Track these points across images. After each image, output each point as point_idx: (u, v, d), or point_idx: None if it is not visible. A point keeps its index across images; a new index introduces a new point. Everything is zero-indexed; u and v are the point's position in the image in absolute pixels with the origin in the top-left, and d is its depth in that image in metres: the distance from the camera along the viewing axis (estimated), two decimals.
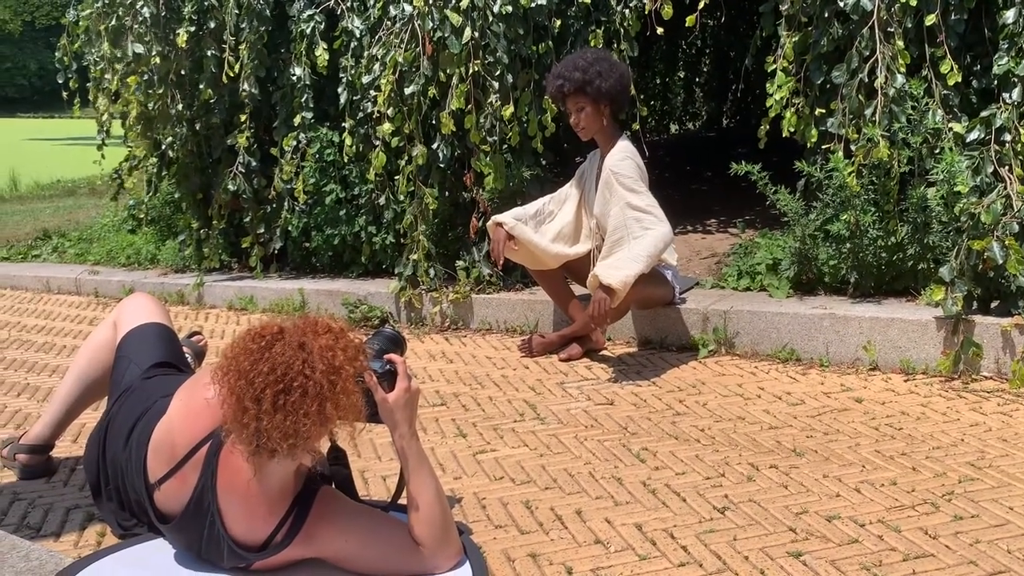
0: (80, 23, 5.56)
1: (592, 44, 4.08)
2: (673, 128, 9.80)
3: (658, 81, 9.16)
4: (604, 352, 3.48)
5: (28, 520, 2.24)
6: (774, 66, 3.58)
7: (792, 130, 3.53)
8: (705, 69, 9.60)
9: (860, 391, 2.90)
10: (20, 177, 11.68)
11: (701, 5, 3.73)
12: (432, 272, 4.08)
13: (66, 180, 11.66)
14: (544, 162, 4.21)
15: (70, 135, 23.22)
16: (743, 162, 3.41)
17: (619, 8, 4.07)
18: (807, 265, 3.46)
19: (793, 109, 3.52)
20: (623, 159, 3.20)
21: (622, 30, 4.08)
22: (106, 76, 5.35)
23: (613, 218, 3.14)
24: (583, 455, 2.49)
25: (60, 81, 5.77)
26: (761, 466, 2.35)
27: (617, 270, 2.97)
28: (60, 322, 4.62)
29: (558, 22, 4.02)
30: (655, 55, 8.40)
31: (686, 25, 3.90)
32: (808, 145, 3.51)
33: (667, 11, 3.83)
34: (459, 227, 4.24)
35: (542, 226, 3.46)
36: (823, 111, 3.46)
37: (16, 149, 19.64)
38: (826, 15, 3.43)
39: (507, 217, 3.39)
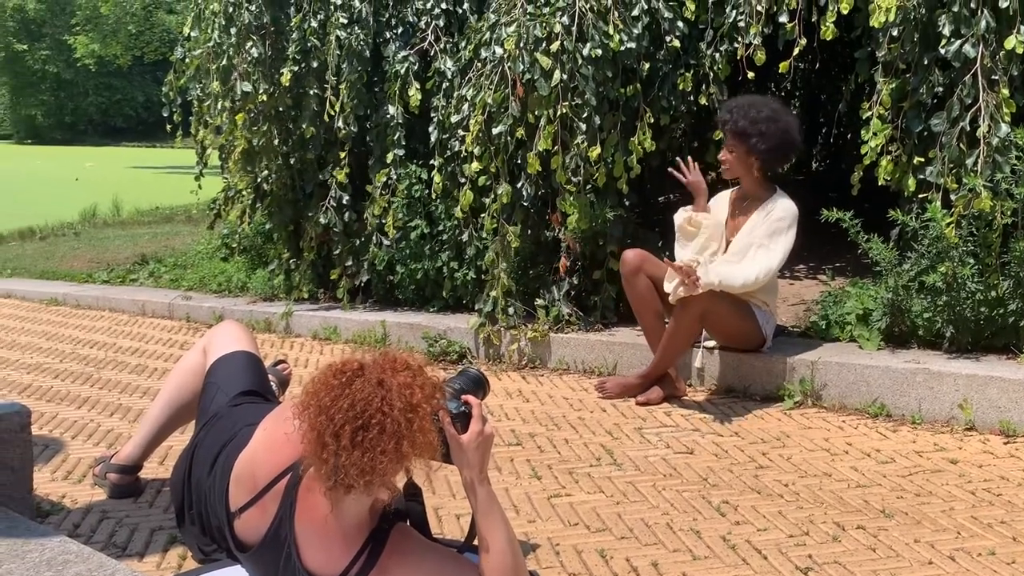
0: (187, 61, 5.84)
1: (681, 88, 4.08)
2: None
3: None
4: (685, 398, 3.41)
5: (115, 539, 2.32)
6: (869, 113, 3.50)
7: (888, 178, 3.44)
8: (795, 112, 9.43)
9: (955, 452, 2.76)
10: (122, 203, 12.28)
11: (796, 51, 3.68)
12: (511, 309, 4.09)
13: (164, 207, 12.18)
14: (628, 203, 4.19)
15: (170, 164, 24.31)
16: (834, 208, 3.33)
17: (709, 52, 4.06)
18: (900, 317, 3.33)
19: (890, 157, 3.43)
20: (785, 208, 3.23)
21: (711, 74, 4.07)
22: (209, 110, 5.61)
23: (741, 246, 3.21)
24: (661, 505, 2.44)
25: (165, 114, 6.07)
26: (848, 526, 2.26)
27: (707, 272, 2.99)
28: (153, 345, 4.80)
29: (647, 65, 4.03)
30: (740, 85, 8.30)
31: (779, 71, 3.85)
32: (904, 194, 3.41)
33: (760, 57, 3.79)
34: (540, 265, 4.25)
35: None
36: (921, 160, 3.36)
37: (120, 176, 20.66)
38: (925, 62, 3.34)
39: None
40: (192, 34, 5.58)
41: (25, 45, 42.18)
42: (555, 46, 3.87)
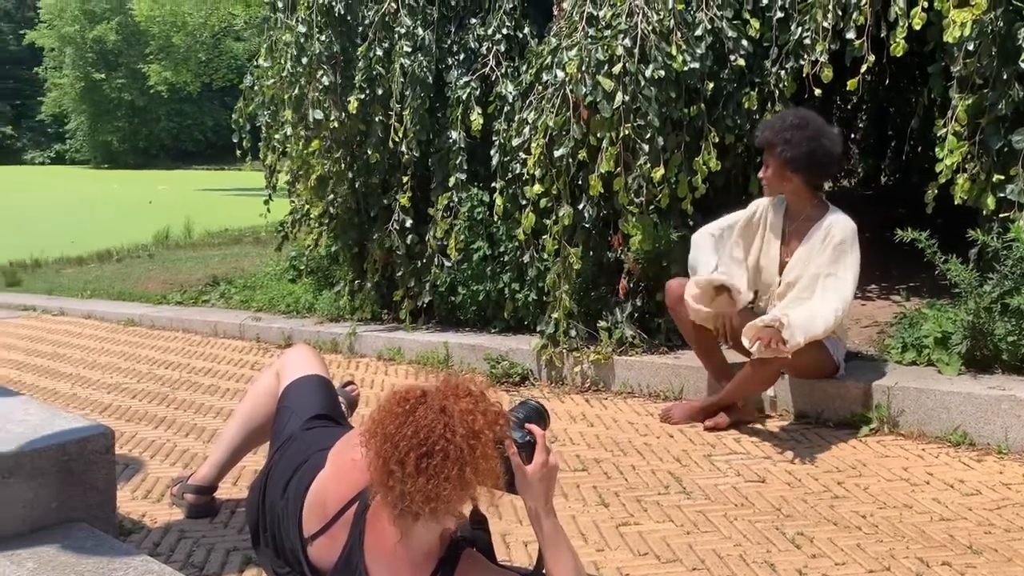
0: (257, 89, 6.01)
1: (746, 106, 4.02)
2: (826, 186, 9.45)
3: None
4: (754, 424, 3.34)
5: (193, 559, 2.37)
6: (944, 130, 3.40)
7: (964, 196, 3.33)
8: (862, 125, 9.25)
9: None
10: (193, 225, 12.67)
11: (864, 68, 3.61)
12: (574, 331, 4.07)
13: (233, 229, 12.52)
14: (692, 223, 4.14)
15: (237, 185, 24.97)
16: (908, 227, 3.23)
17: (774, 70, 4.00)
18: (982, 340, 3.21)
19: (967, 175, 3.32)
20: (843, 227, 3.12)
21: (777, 91, 4.01)
22: (275, 136, 5.76)
23: (807, 278, 3.10)
24: (733, 536, 2.39)
25: (235, 140, 6.26)
26: (932, 562, 2.18)
27: (795, 328, 2.88)
28: (225, 365, 4.92)
29: (711, 84, 3.99)
30: (806, 103, 8.17)
31: (847, 88, 3.78)
32: (983, 212, 3.29)
33: (827, 75, 3.73)
34: (602, 287, 4.23)
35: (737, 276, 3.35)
36: (1001, 177, 3.24)
37: (191, 198, 21.32)
38: (1004, 76, 3.24)
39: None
40: (264, 64, 5.73)
41: (103, 74, 43.99)
42: (617, 68, 3.87)
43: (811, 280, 3.12)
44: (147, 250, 10.57)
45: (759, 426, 3.33)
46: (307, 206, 5.76)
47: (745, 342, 2.96)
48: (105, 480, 2.52)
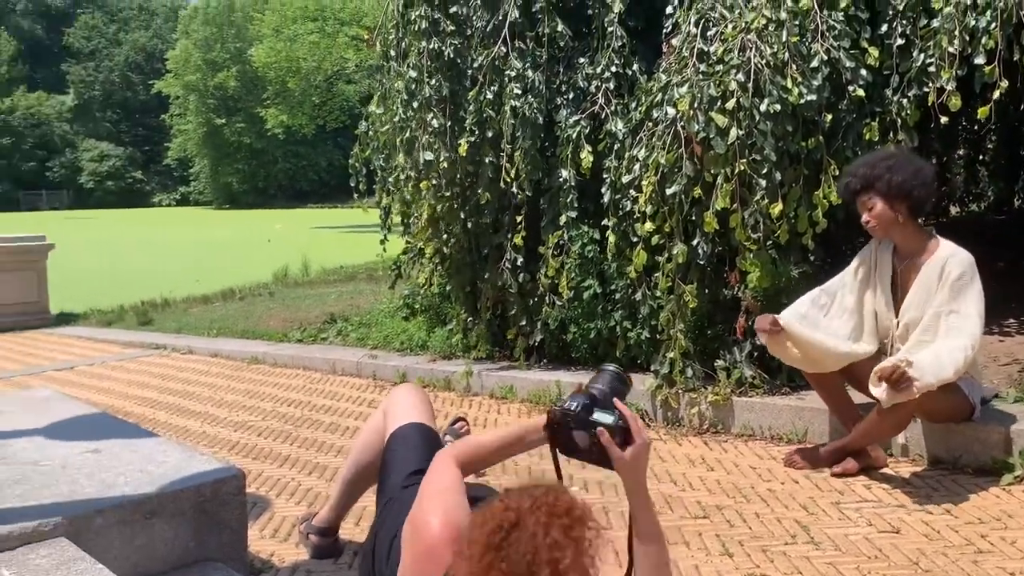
0: (371, 134, 6.24)
1: (867, 137, 3.90)
2: (953, 211, 9.02)
3: (934, 160, 8.51)
4: (885, 470, 3.19)
5: None
6: None
7: None
8: (990, 146, 8.79)
9: None
10: (310, 263, 13.14)
11: (996, 95, 3.44)
12: (690, 371, 4.00)
13: (348, 266, 12.92)
14: (813, 259, 4.03)
15: (349, 223, 25.82)
16: None
17: (896, 98, 3.87)
18: None
19: None
20: (960, 262, 2.98)
21: (899, 120, 3.87)
22: (390, 179, 5.95)
23: (928, 318, 2.96)
24: None
25: (352, 184, 6.51)
26: None
27: (923, 370, 2.74)
28: (344, 403, 5.06)
29: (829, 116, 3.89)
30: (931, 133, 7.83)
31: (978, 116, 3.61)
32: None
33: (954, 103, 3.57)
34: (719, 325, 4.15)
35: (818, 322, 3.27)
36: None
37: (307, 236, 22.18)
38: None
39: (785, 314, 3.26)
40: (377, 111, 5.93)
41: (223, 119, 46.62)
42: (731, 104, 3.82)
43: (932, 320, 2.96)
44: (267, 288, 11.01)
45: (891, 472, 3.17)
46: (420, 245, 5.90)
47: (873, 390, 2.84)
48: (238, 520, 2.63)
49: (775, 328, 3.18)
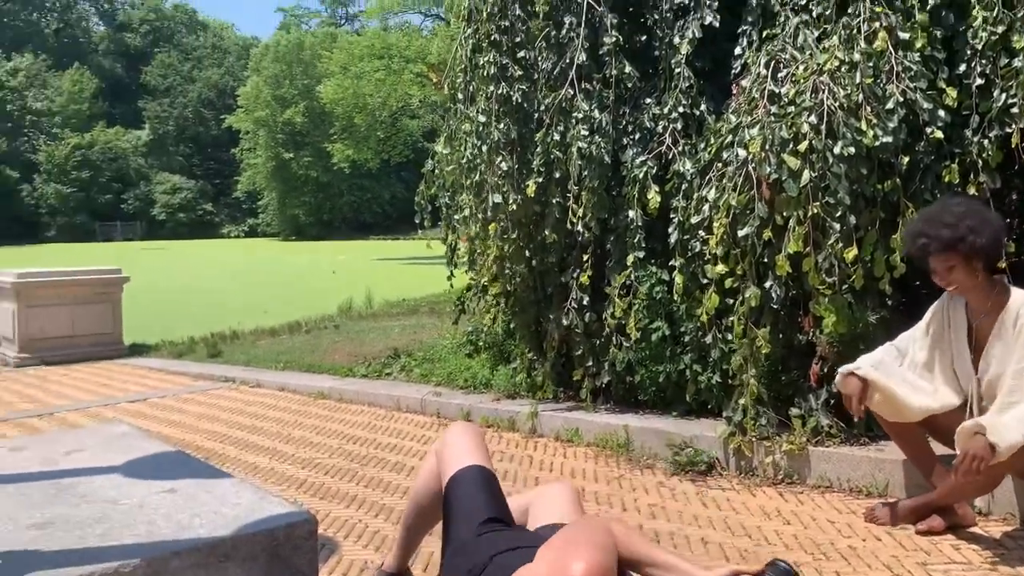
0: (437, 172, 6.32)
1: (946, 179, 3.79)
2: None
3: (1014, 197, 8.21)
4: (974, 529, 3.05)
5: None
6: None
7: None
8: None
9: None
10: (373, 295, 13.32)
11: None
12: (764, 419, 3.91)
13: (410, 299, 13.05)
14: (891, 303, 3.91)
15: (411, 255, 26.16)
16: None
17: (976, 139, 3.76)
18: None
19: None
20: None
21: (980, 161, 3.75)
22: (455, 217, 6.01)
23: (1011, 377, 2.83)
24: None
25: (417, 221, 6.61)
26: None
27: (1007, 429, 2.62)
28: (409, 442, 5.07)
29: (905, 159, 3.79)
30: (1014, 173, 7.59)
31: None
32: None
33: None
34: (793, 371, 4.05)
35: (892, 372, 3.17)
36: None
37: (370, 268, 22.52)
38: None
39: (860, 363, 3.17)
40: (444, 151, 6.01)
41: (291, 154, 47.92)
42: (803, 146, 3.76)
43: (1016, 377, 2.83)
44: (332, 320, 11.17)
45: (980, 532, 3.03)
46: (484, 282, 5.93)
47: (959, 452, 2.73)
48: (309, 565, 2.63)
49: (870, 395, 3.06)
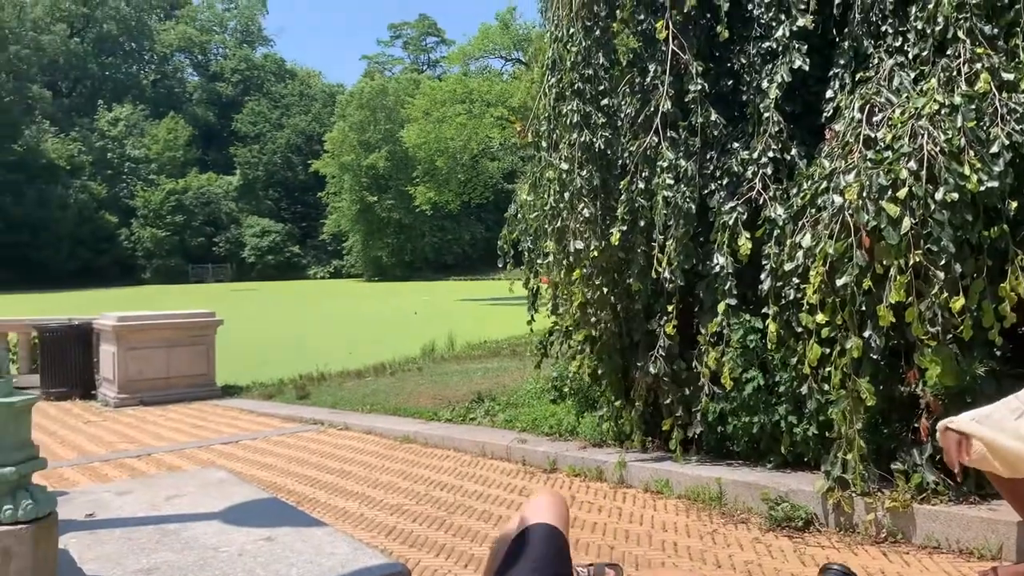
0: (519, 216, 6.38)
1: None
2: None
3: None
4: None
5: None
6: None
7: None
8: None
9: None
10: (455, 336, 13.44)
11: None
12: (865, 474, 3.75)
13: (491, 341, 13.12)
14: (1001, 354, 3.73)
15: (492, 295, 26.33)
16: None
17: None
18: None
19: None
20: None
21: None
22: (538, 262, 6.04)
23: None
24: None
25: (500, 265, 6.68)
26: None
27: None
28: (495, 489, 5.06)
29: (1014, 204, 3.64)
30: None
31: None
32: None
33: None
34: (895, 424, 3.89)
35: (1005, 424, 3.01)
36: None
37: (452, 309, 22.77)
38: None
39: (961, 417, 3.02)
40: (527, 198, 6.07)
41: (375, 197, 49.16)
42: (903, 192, 3.65)
43: None
44: (416, 363, 11.31)
45: None
46: (567, 326, 5.91)
47: None
48: None
49: (969, 450, 2.93)
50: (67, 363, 10.03)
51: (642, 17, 5.23)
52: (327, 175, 52.17)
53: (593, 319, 5.29)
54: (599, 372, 5.64)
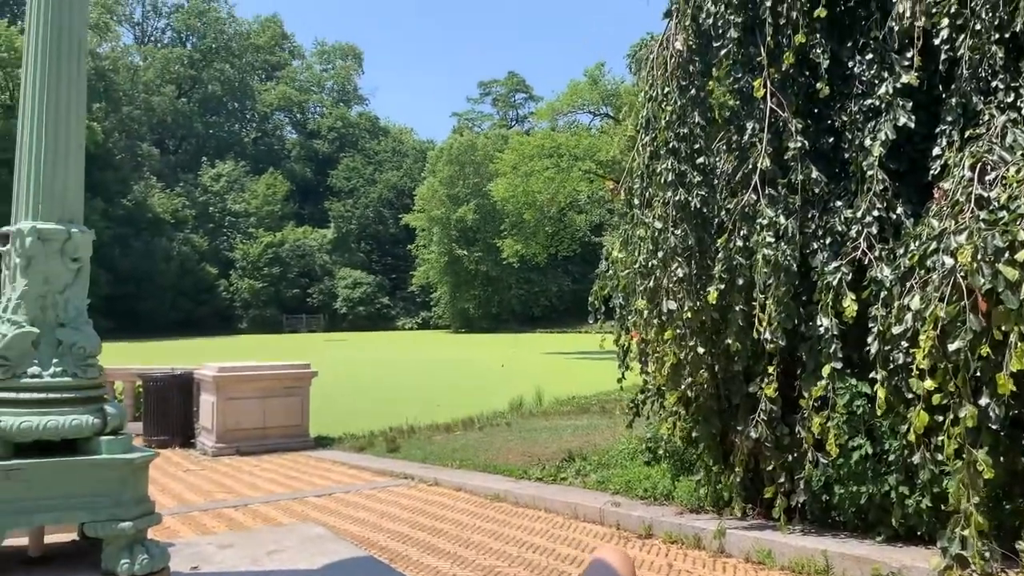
0: (610, 273, 6.36)
1: None
2: None
3: None
4: None
5: None
6: None
7: None
8: None
9: None
10: (543, 391, 13.37)
11: None
12: (986, 552, 3.53)
13: (580, 397, 13.00)
14: None
15: (579, 349, 26.17)
16: None
17: None
18: None
19: None
20: None
21: None
22: (629, 319, 5.99)
23: None
24: None
25: (591, 321, 6.66)
26: None
27: None
28: (589, 554, 4.95)
29: None
30: None
31: None
32: None
33: None
34: (1020, 499, 3.66)
35: None
36: None
37: (539, 362, 22.72)
38: None
39: None
40: (619, 255, 6.05)
41: (463, 250, 49.97)
42: (1022, 255, 3.48)
43: None
44: (504, 418, 11.29)
45: None
46: (660, 386, 5.81)
47: None
48: None
49: None
50: (169, 412, 10.40)
51: (739, 75, 5.20)
52: (417, 228, 53.35)
53: (688, 379, 5.19)
54: (695, 435, 5.51)
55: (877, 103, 4.71)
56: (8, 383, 2.65)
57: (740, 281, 4.82)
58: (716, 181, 5.40)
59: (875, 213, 4.53)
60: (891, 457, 4.11)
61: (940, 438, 3.78)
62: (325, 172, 69.64)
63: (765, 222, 4.72)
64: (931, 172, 4.47)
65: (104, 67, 56.68)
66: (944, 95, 4.58)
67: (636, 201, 5.83)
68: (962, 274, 3.68)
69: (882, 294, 4.26)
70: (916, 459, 3.94)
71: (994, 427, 3.63)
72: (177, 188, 61.99)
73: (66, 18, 3.02)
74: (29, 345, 2.68)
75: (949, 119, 4.45)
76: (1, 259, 3.07)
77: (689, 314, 4.89)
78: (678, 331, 5.01)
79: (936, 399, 3.75)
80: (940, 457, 3.80)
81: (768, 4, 4.93)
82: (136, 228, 54.02)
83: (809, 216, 4.85)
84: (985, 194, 3.86)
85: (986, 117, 4.25)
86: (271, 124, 76.42)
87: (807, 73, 5.11)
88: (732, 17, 5.16)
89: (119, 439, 2.73)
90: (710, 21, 5.36)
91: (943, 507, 3.80)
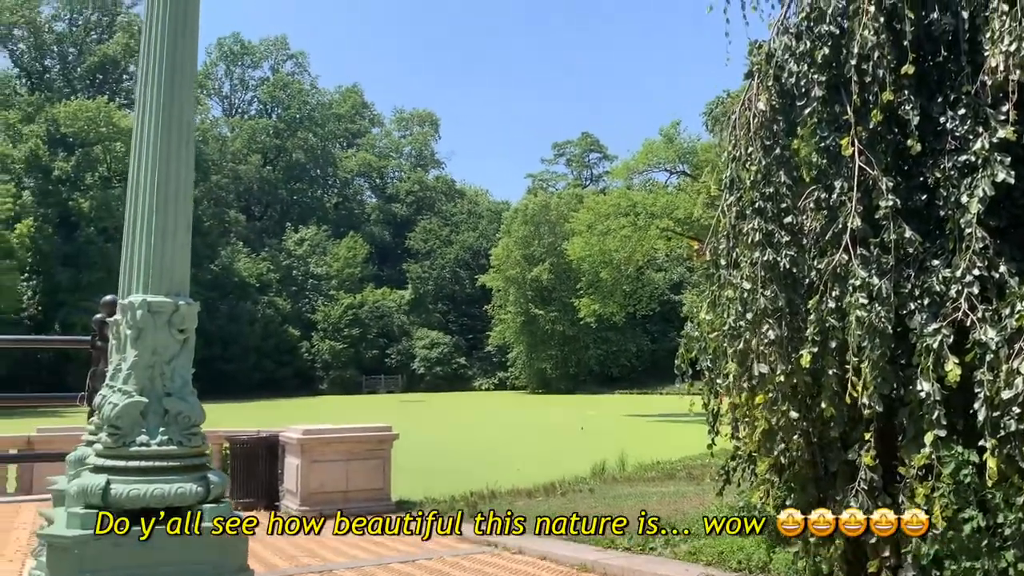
0: (697, 335, 6.26)
1: None
2: None
3: None
4: None
5: None
6: None
7: None
8: None
9: None
10: (626, 454, 13.11)
11: None
12: None
13: (664, 462, 12.71)
14: None
15: (661, 411, 25.70)
16: None
17: None
18: None
19: None
20: None
21: None
22: (718, 382, 5.86)
23: None
24: None
25: (676, 385, 6.54)
26: None
27: None
28: None
29: None
30: None
31: None
32: None
33: None
34: None
35: None
36: None
37: (619, 425, 22.40)
38: None
39: None
40: (706, 317, 5.96)
41: (540, 309, 50.06)
42: None
43: None
44: (587, 483, 11.10)
45: None
46: (752, 452, 5.64)
47: None
48: None
49: None
50: (255, 474, 10.56)
51: (825, 134, 5.14)
52: (493, 288, 53.78)
53: (781, 445, 5.03)
54: (789, 504, 5.31)
55: (973, 159, 4.57)
56: (118, 451, 2.74)
57: (833, 344, 4.68)
58: (804, 241, 5.31)
59: (975, 272, 4.36)
60: (1007, 531, 3.87)
61: None
62: (403, 235, 71.19)
63: (858, 283, 4.60)
64: None
65: (195, 139, 59.69)
66: None
67: (723, 262, 5.76)
68: None
69: (988, 357, 4.08)
70: None
71: None
72: (262, 252, 64.14)
73: (176, 100, 3.19)
74: (138, 414, 2.78)
75: None
76: (109, 328, 3.21)
77: (781, 377, 4.76)
78: (770, 395, 4.88)
79: None
80: None
81: (853, 63, 4.88)
82: (223, 292, 55.91)
83: (904, 276, 4.70)
84: None
85: None
86: (351, 189, 78.77)
87: (896, 130, 5.02)
88: (816, 76, 5.13)
89: (221, 507, 2.78)
90: (792, 80, 5.34)
91: None
